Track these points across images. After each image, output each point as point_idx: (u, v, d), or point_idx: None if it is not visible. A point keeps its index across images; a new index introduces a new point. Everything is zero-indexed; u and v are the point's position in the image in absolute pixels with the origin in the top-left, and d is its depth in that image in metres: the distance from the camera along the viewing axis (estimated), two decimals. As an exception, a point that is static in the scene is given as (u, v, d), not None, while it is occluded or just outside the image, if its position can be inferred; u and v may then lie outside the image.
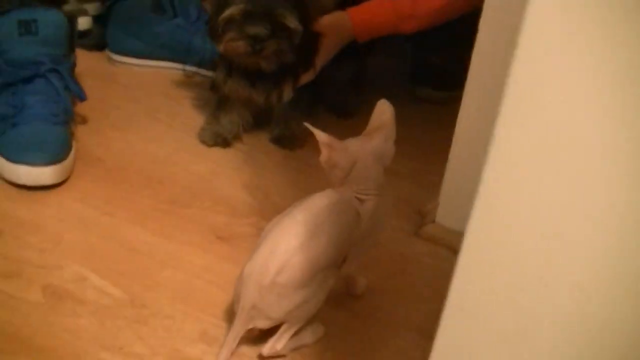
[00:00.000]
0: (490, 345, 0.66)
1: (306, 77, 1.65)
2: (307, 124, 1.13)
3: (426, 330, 0.74)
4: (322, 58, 1.67)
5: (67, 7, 1.73)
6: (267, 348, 1.10)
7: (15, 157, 1.43)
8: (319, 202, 1.12)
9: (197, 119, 1.73)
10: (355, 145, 1.14)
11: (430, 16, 1.64)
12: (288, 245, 1.06)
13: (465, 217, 0.63)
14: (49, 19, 1.56)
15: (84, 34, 1.95)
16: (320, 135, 1.12)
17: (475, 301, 0.65)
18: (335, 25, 1.66)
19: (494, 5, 1.20)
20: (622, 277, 0.59)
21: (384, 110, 1.16)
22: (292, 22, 1.50)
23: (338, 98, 1.84)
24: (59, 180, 1.45)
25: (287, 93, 1.64)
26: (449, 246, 1.34)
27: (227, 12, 1.49)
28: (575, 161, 0.56)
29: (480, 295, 0.64)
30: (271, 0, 1.49)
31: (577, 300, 0.60)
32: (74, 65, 1.64)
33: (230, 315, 1.13)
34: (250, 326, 1.09)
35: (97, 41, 2.03)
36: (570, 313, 0.61)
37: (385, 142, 1.15)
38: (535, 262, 0.60)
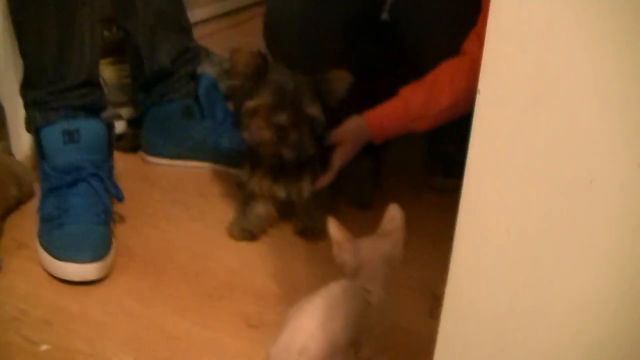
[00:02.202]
0: None
1: (325, 179, 1.77)
2: (329, 219, 1.25)
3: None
4: (341, 160, 1.78)
5: (104, 114, 1.85)
6: None
7: (62, 255, 1.56)
8: (333, 289, 1.25)
9: (227, 215, 1.85)
10: (365, 248, 1.27)
11: (441, 115, 1.72)
12: (307, 329, 1.17)
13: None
14: (90, 128, 1.70)
15: (119, 137, 2.07)
16: (334, 232, 1.25)
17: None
18: (353, 130, 1.77)
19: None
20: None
21: (394, 216, 1.28)
22: (315, 111, 1.63)
23: (357, 191, 1.93)
24: (102, 276, 1.57)
25: (307, 189, 1.75)
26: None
27: (254, 103, 1.62)
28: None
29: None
30: (295, 92, 1.62)
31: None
32: (112, 168, 1.77)
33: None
34: (280, 404, 1.18)
35: (132, 144, 2.15)
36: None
37: (394, 247, 1.28)
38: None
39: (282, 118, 1.62)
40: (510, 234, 0.67)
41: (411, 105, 1.72)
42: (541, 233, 0.66)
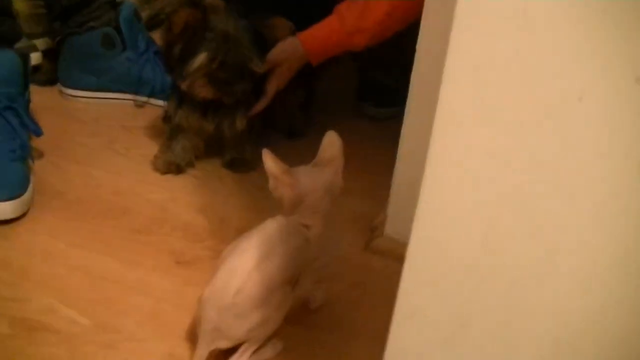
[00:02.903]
0: (435, 346, 0.72)
1: (260, 106, 1.71)
2: (265, 151, 1.17)
3: (381, 338, 0.80)
4: (276, 85, 1.73)
5: (18, 45, 1.76)
6: (228, 366, 1.16)
7: (-26, 194, 1.48)
8: (269, 227, 1.19)
9: (152, 149, 1.78)
10: (305, 179, 1.19)
11: (377, 28, 1.66)
12: (243, 268, 1.12)
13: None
14: (2, 58, 1.61)
15: (35, 69, 1.98)
16: (270, 166, 1.17)
17: (421, 306, 0.71)
18: (288, 52, 1.71)
19: (432, 19, 1.25)
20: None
21: (332, 142, 1.20)
22: (259, 66, 1.58)
23: (288, 121, 1.89)
24: (19, 214, 1.50)
25: (240, 123, 1.69)
26: (398, 257, 1.40)
27: (198, 61, 1.55)
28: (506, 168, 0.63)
29: (425, 300, 0.71)
30: (238, 45, 1.56)
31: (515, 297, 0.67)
32: (28, 101, 1.68)
33: (193, 336, 1.19)
34: (213, 347, 1.14)
35: (49, 76, 2.07)
36: (509, 310, 0.67)
37: (335, 176, 1.21)
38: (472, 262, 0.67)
39: (227, 75, 1.57)
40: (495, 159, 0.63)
41: (346, 18, 1.66)
42: (523, 156, 0.62)
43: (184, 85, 1.60)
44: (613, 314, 0.64)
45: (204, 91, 1.60)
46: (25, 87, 1.68)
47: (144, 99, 1.99)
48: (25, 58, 1.69)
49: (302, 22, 1.72)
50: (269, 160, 1.17)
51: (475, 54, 0.61)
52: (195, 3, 1.57)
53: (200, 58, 1.55)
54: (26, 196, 1.52)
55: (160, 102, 1.92)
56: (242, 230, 1.21)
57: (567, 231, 0.62)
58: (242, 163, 1.73)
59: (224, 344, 1.14)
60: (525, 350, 0.69)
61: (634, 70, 0.56)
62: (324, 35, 1.70)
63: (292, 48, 1.72)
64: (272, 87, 1.72)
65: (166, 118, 1.74)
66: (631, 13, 0.55)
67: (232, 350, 1.16)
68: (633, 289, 0.63)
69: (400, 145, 1.40)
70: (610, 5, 0.55)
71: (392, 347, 0.75)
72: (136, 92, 2.00)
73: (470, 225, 0.66)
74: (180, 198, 1.63)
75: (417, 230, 0.69)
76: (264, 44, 1.64)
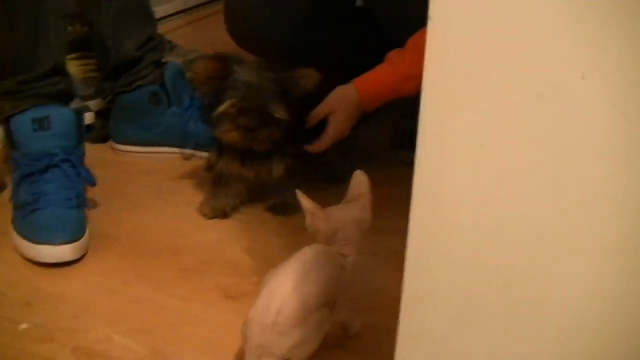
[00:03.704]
0: (447, 327, 0.78)
1: (319, 147, 1.81)
2: (298, 192, 1.29)
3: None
4: (335, 130, 1.81)
5: (72, 106, 1.87)
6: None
7: (37, 239, 1.59)
8: (307, 253, 1.29)
9: (198, 197, 1.88)
10: (337, 215, 1.32)
11: None
12: (283, 290, 1.21)
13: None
14: (60, 114, 1.72)
15: (88, 128, 2.07)
16: (305, 204, 1.31)
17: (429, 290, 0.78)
18: (342, 97, 1.79)
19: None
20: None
21: (360, 181, 1.34)
22: (281, 113, 1.67)
23: (330, 167, 1.96)
24: (78, 257, 1.60)
25: (277, 170, 1.79)
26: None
27: (222, 108, 1.66)
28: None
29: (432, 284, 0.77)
30: (261, 93, 1.66)
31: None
32: (83, 155, 1.79)
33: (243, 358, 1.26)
34: (258, 364, 1.22)
35: (101, 134, 2.18)
36: (513, 290, 0.74)
37: (364, 211, 1.33)
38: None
39: (249, 122, 1.67)
40: (481, 150, 0.69)
41: (399, 66, 1.74)
42: (506, 145, 0.68)
43: (215, 132, 1.70)
44: (620, 290, 0.69)
45: (228, 136, 1.69)
46: (80, 141, 1.78)
47: (190, 152, 2.09)
48: (80, 114, 1.80)
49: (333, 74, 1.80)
50: (304, 199, 1.31)
51: (459, 34, 0.68)
52: (218, 56, 1.69)
53: (225, 105, 1.65)
54: (84, 240, 1.62)
55: (205, 155, 2.00)
56: (281, 266, 1.30)
57: (566, 210, 0.68)
58: (284, 207, 1.82)
59: (268, 361, 1.22)
60: (533, 328, 0.74)
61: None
62: (378, 82, 1.78)
63: (345, 94, 1.80)
64: (331, 132, 1.80)
65: (209, 168, 1.85)
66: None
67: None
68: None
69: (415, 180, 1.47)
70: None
71: (404, 331, 0.82)
72: (182, 146, 2.10)
73: (466, 207, 0.72)
74: (227, 240, 1.72)
75: (416, 215, 0.77)
76: (288, 95, 1.71)
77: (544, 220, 0.69)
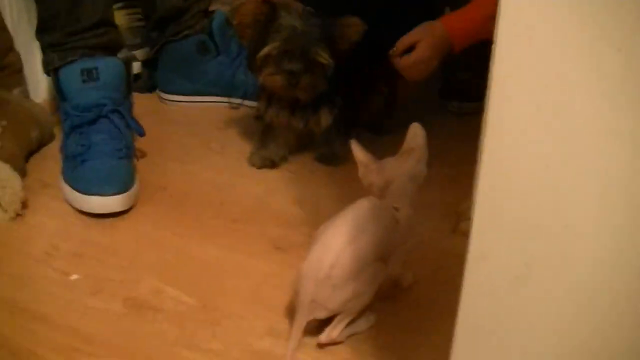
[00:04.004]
0: (505, 286, 0.78)
1: (396, 61, 1.79)
2: (353, 142, 1.28)
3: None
4: (417, 57, 1.77)
5: (120, 55, 1.87)
6: (324, 336, 1.23)
7: (87, 189, 1.59)
8: (361, 206, 1.28)
9: (247, 147, 1.88)
10: (391, 167, 1.28)
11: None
12: (337, 243, 1.21)
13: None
14: (108, 65, 1.72)
15: (135, 77, 2.09)
16: (359, 155, 1.28)
17: (491, 249, 0.77)
18: (429, 30, 1.76)
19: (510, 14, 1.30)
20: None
21: (416, 134, 1.30)
22: (324, 58, 1.65)
23: (374, 118, 1.96)
24: (128, 207, 1.61)
25: (325, 120, 1.78)
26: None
27: (265, 50, 1.65)
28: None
29: (494, 243, 0.76)
30: (305, 38, 1.64)
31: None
32: (131, 105, 1.80)
33: (292, 312, 1.26)
34: (311, 317, 1.21)
35: (148, 84, 2.19)
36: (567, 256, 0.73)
37: (418, 164, 1.29)
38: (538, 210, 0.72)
39: (293, 65, 1.65)
40: (541, 111, 0.68)
41: (486, 5, 1.67)
42: (569, 104, 0.67)
43: (259, 78, 1.69)
44: None
45: (271, 80, 1.68)
46: (129, 92, 1.79)
47: (238, 101, 2.09)
48: (128, 64, 1.80)
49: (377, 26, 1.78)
50: (357, 150, 1.28)
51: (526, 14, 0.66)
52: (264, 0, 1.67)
53: (268, 48, 1.64)
54: (133, 191, 1.62)
55: (253, 104, 2.00)
56: (332, 218, 1.29)
57: (621, 173, 0.67)
58: (333, 157, 1.81)
59: (321, 315, 1.21)
60: (587, 292, 0.73)
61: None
62: (465, 19, 1.74)
63: (433, 27, 1.76)
64: (411, 56, 1.77)
65: (258, 117, 1.84)
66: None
67: (328, 321, 1.23)
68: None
69: (482, 134, 1.45)
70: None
71: (468, 289, 0.80)
72: (230, 95, 2.10)
73: (528, 172, 0.71)
74: (276, 190, 1.71)
75: (484, 175, 0.75)
76: (333, 43, 1.69)
77: (607, 180, 0.68)
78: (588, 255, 0.71)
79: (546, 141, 0.68)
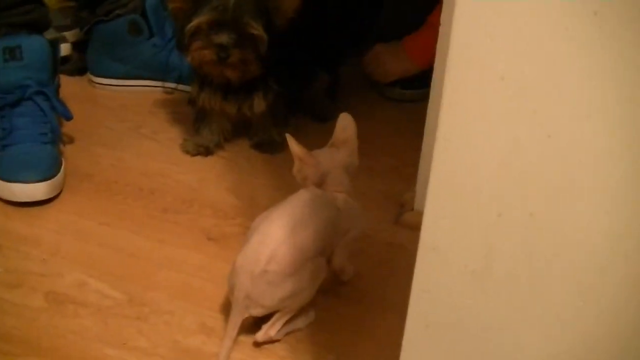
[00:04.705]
0: (462, 279, 0.72)
1: None
2: (288, 136, 1.22)
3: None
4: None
5: (47, 36, 1.78)
6: (260, 334, 1.17)
7: (9, 176, 1.50)
8: (302, 197, 1.22)
9: (180, 133, 1.80)
10: (324, 159, 1.25)
11: None
12: (276, 236, 1.14)
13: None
14: (33, 44, 1.62)
15: (64, 60, 2.00)
16: (295, 149, 1.23)
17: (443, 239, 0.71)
18: None
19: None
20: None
21: (346, 125, 1.27)
22: (257, 30, 1.56)
23: (314, 105, 1.90)
24: (52, 195, 1.52)
25: (259, 105, 1.69)
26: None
27: (194, 22, 1.54)
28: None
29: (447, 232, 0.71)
30: (237, 9, 1.54)
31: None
32: (58, 87, 1.70)
33: (226, 307, 1.20)
34: (246, 315, 1.15)
35: (78, 66, 2.08)
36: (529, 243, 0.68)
37: (350, 155, 1.27)
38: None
39: (223, 37, 1.55)
40: (505, 81, 0.61)
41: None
42: (538, 76, 0.61)
43: (187, 57, 1.60)
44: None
45: (200, 54, 1.58)
46: (55, 73, 1.70)
47: (172, 85, 2.00)
48: (54, 44, 1.71)
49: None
50: (294, 144, 1.23)
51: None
52: None
53: (197, 20, 1.54)
54: (58, 178, 1.54)
55: (189, 88, 1.92)
56: (269, 208, 1.23)
57: (590, 156, 0.62)
58: (269, 144, 1.74)
59: (256, 312, 1.15)
60: (551, 284, 0.68)
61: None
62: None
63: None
64: None
65: (191, 101, 1.75)
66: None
67: (266, 318, 1.17)
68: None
69: (427, 122, 1.41)
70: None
71: (418, 282, 0.75)
72: (164, 79, 2.01)
73: (489, 153, 0.65)
74: (209, 178, 1.64)
75: (437, 159, 0.69)
76: (268, 18, 1.60)
77: (577, 164, 0.63)
78: (556, 246, 0.66)
79: (511, 117, 0.62)
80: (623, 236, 0.63)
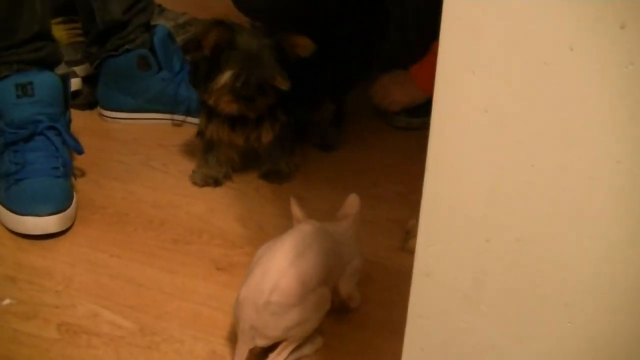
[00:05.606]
0: (456, 304, 0.74)
1: None
2: (292, 199, 1.30)
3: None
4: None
5: (58, 71, 1.81)
6: (267, 364, 1.19)
7: (22, 210, 1.53)
8: (303, 229, 1.24)
9: (190, 165, 1.82)
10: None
11: None
12: (279, 267, 1.16)
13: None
14: (44, 80, 1.66)
15: (75, 94, 2.03)
16: (296, 212, 1.29)
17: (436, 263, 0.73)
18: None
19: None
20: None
21: (352, 202, 1.32)
22: (282, 83, 1.61)
23: (321, 134, 1.92)
24: (64, 228, 1.55)
25: (266, 135, 1.72)
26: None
27: (223, 79, 1.59)
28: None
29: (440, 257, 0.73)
30: (260, 63, 1.60)
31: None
32: (69, 121, 1.73)
33: (235, 335, 1.21)
34: (252, 345, 1.17)
35: (88, 100, 2.11)
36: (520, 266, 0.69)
37: (351, 228, 1.31)
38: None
39: (250, 92, 1.61)
40: (489, 114, 0.64)
41: None
42: (520, 108, 0.63)
43: (210, 101, 1.64)
44: (628, 277, 0.66)
45: (228, 107, 1.64)
46: (66, 107, 1.72)
47: (181, 117, 2.03)
48: (65, 79, 1.73)
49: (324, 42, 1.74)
50: (295, 207, 1.30)
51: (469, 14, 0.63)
52: (223, 23, 1.62)
53: (226, 76, 1.59)
54: (70, 211, 1.56)
55: (197, 121, 1.95)
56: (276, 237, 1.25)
57: (573, 183, 0.64)
58: (277, 174, 1.76)
59: (262, 342, 1.17)
60: (540, 305, 0.70)
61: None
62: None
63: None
64: None
65: (199, 133, 1.78)
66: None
67: (273, 346, 1.19)
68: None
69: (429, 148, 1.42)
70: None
71: (414, 307, 0.78)
72: (173, 112, 2.04)
73: (477, 182, 0.68)
74: (218, 209, 1.66)
75: (428, 189, 0.73)
76: (287, 61, 1.65)
77: (561, 190, 0.65)
78: (542, 269, 0.68)
79: (496, 148, 0.64)
80: (607, 259, 0.64)
